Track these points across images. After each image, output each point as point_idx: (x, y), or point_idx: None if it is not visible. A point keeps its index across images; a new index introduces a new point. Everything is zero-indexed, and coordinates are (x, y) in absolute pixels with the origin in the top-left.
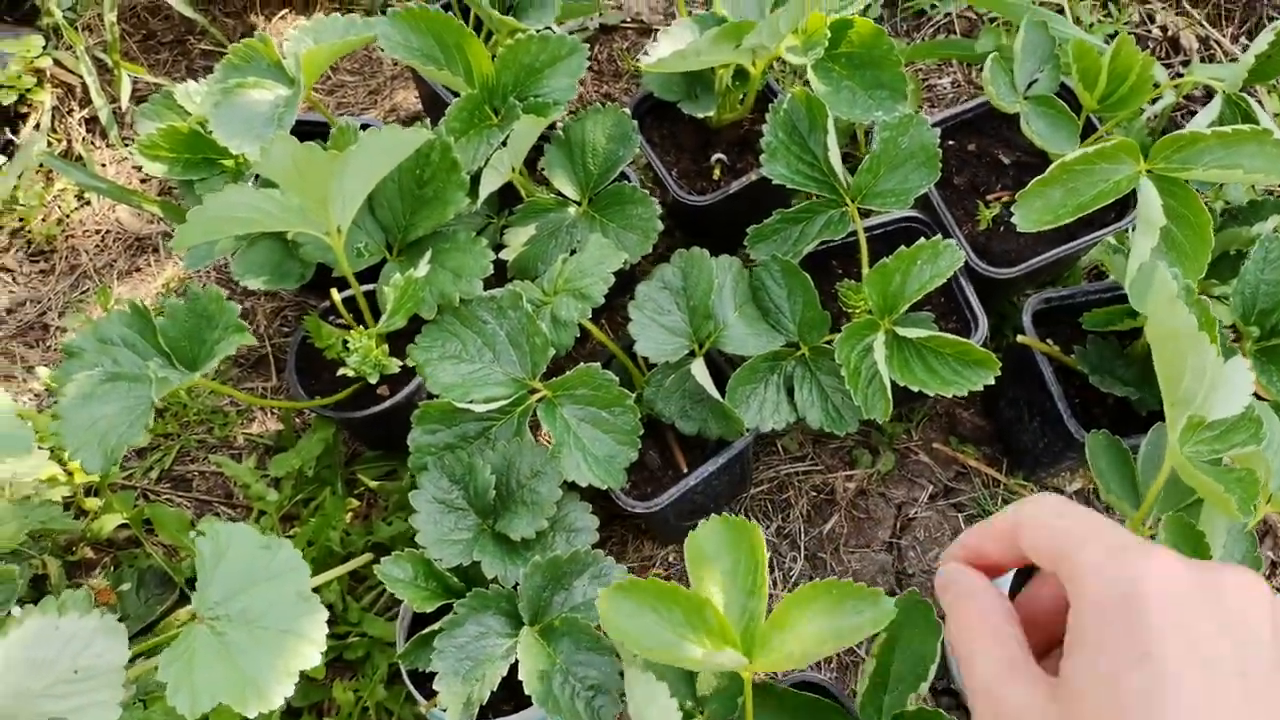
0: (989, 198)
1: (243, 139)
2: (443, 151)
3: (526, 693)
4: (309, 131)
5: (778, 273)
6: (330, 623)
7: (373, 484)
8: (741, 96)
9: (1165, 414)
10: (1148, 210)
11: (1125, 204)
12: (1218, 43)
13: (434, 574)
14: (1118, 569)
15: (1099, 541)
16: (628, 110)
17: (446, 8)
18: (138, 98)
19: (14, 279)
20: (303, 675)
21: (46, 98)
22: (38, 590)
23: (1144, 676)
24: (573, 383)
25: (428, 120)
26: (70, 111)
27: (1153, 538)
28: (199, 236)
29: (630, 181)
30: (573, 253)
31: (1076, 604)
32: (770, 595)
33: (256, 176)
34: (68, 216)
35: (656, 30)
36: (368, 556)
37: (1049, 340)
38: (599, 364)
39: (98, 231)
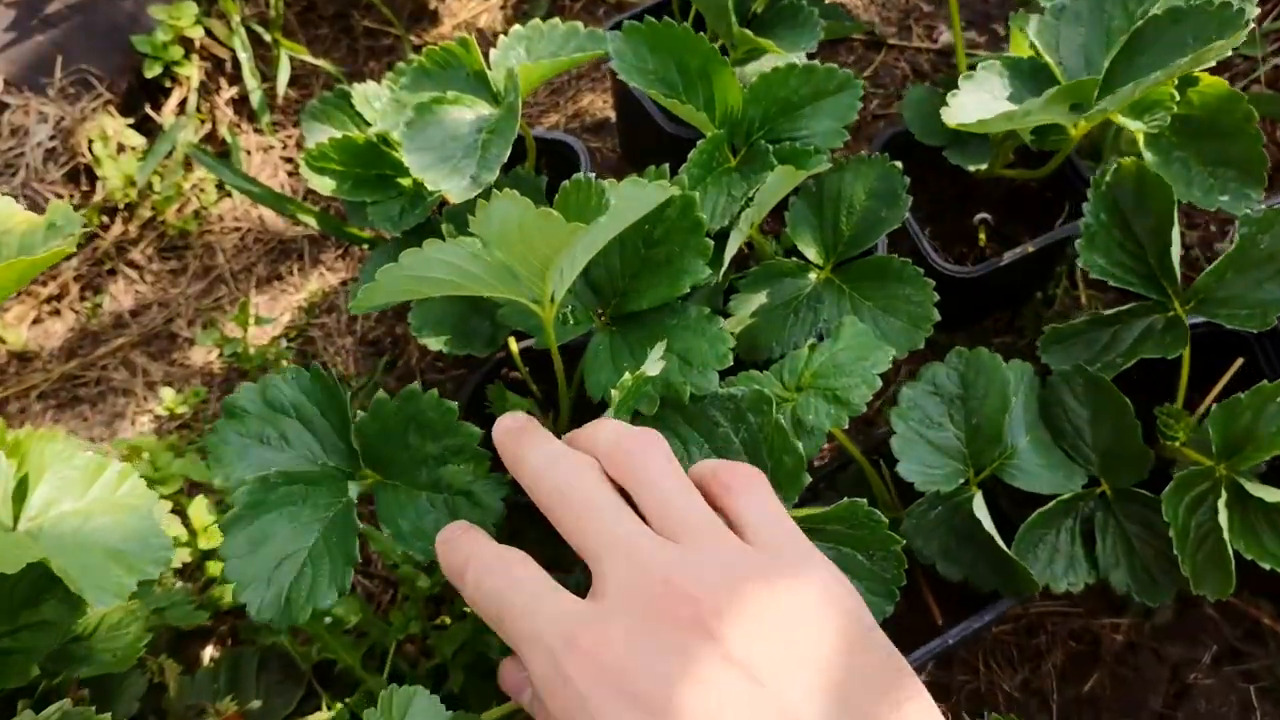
0: None
1: (438, 172)
2: (683, 209)
3: None
4: None
5: (1081, 389)
6: None
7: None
8: (1013, 152)
9: None
10: None
11: None
12: None
13: None
14: None
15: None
16: (898, 165)
17: (657, 10)
18: (294, 78)
19: (142, 277)
20: None
21: (194, 72)
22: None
23: None
24: (828, 518)
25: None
26: (218, 89)
27: None
28: (385, 298)
29: (885, 252)
30: (820, 337)
31: None
32: None
33: (442, 205)
34: (205, 209)
35: (887, 42)
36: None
37: None
38: (864, 499)
39: (237, 229)
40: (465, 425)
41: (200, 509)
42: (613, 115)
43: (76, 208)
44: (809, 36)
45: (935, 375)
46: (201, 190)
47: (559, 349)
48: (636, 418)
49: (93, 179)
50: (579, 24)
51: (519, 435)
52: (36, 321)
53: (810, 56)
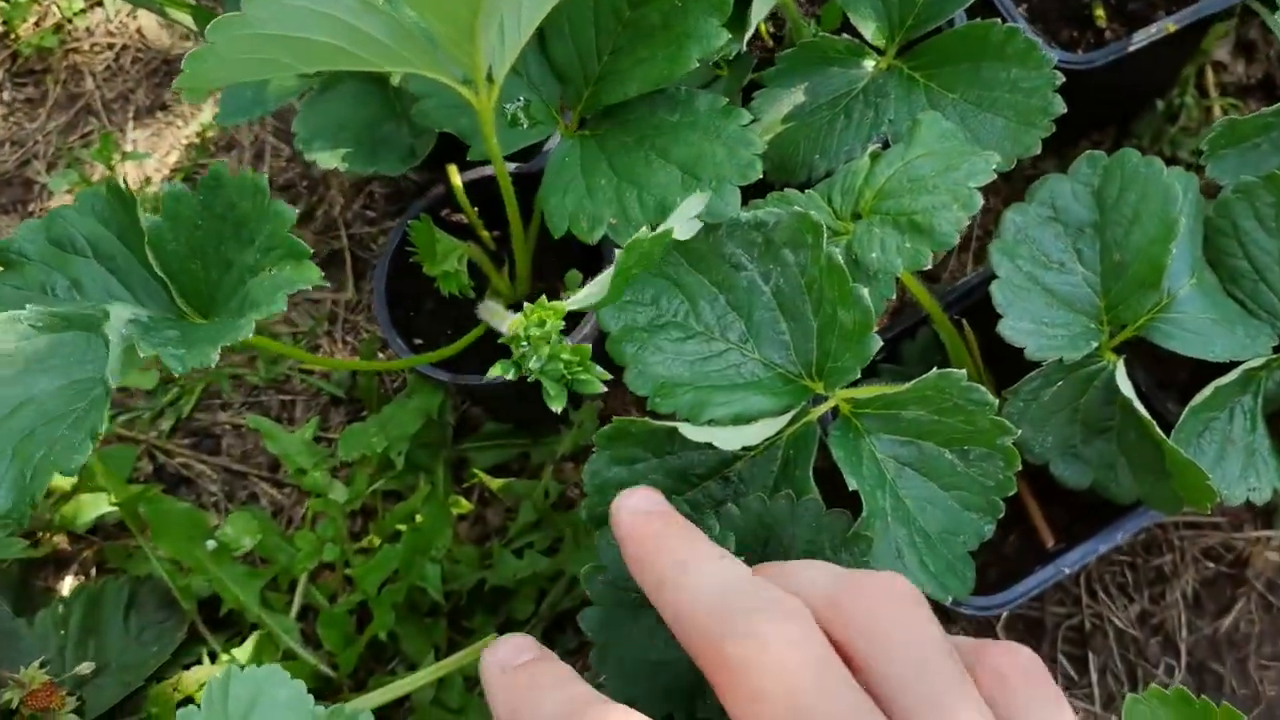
0: None
1: None
2: None
3: None
4: None
5: (1270, 210)
6: None
7: (494, 485)
8: None
9: None
10: None
11: None
12: None
13: None
14: None
15: None
16: None
17: None
18: None
19: None
20: None
21: None
22: None
23: None
24: (906, 399)
25: None
26: None
27: None
28: (229, 73)
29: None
30: (884, 145)
31: None
32: None
33: None
34: (69, 22)
35: None
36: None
37: None
38: (961, 370)
39: (109, 47)
40: (276, 203)
41: None
42: None
43: None
44: None
45: (1056, 194)
46: None
47: (512, 170)
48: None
49: None
50: None
51: (661, 534)
52: None
53: None
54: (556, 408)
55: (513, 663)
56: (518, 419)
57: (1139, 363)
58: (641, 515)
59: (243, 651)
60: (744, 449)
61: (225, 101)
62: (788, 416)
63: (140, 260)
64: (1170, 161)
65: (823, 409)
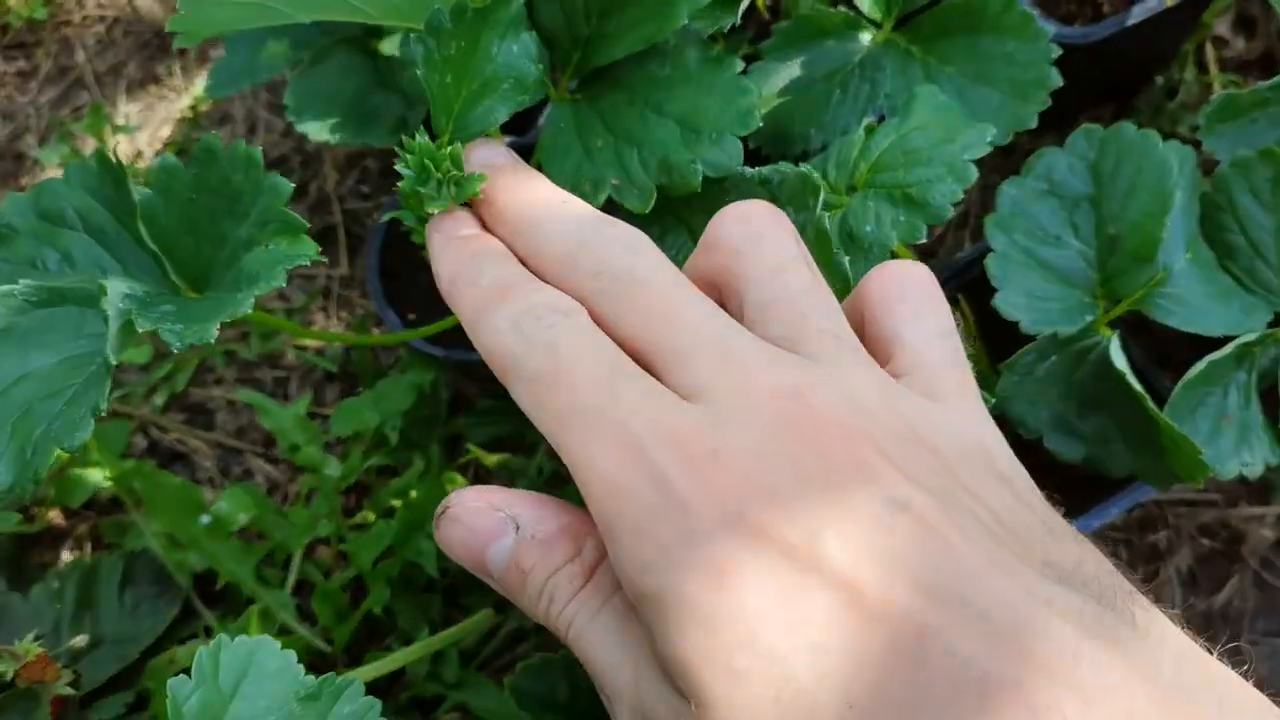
0: None
1: None
2: None
3: None
4: None
5: (1268, 185)
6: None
7: (489, 460)
8: None
9: None
10: None
11: None
12: None
13: None
14: None
15: None
16: None
17: None
18: None
19: None
20: None
21: None
22: None
23: None
24: None
25: None
26: None
27: None
28: (221, 20)
29: None
30: (880, 118)
31: None
32: None
33: None
34: None
35: None
36: (487, 615)
37: None
38: None
39: (101, 19)
40: (270, 177)
41: None
42: None
43: None
44: None
45: (1052, 167)
46: None
47: (507, 142)
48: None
49: None
50: None
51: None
52: None
53: None
54: (436, 210)
55: (457, 232)
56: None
57: (1134, 338)
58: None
59: (239, 627)
60: None
61: (215, 72)
62: None
63: (131, 234)
64: (1169, 138)
65: None
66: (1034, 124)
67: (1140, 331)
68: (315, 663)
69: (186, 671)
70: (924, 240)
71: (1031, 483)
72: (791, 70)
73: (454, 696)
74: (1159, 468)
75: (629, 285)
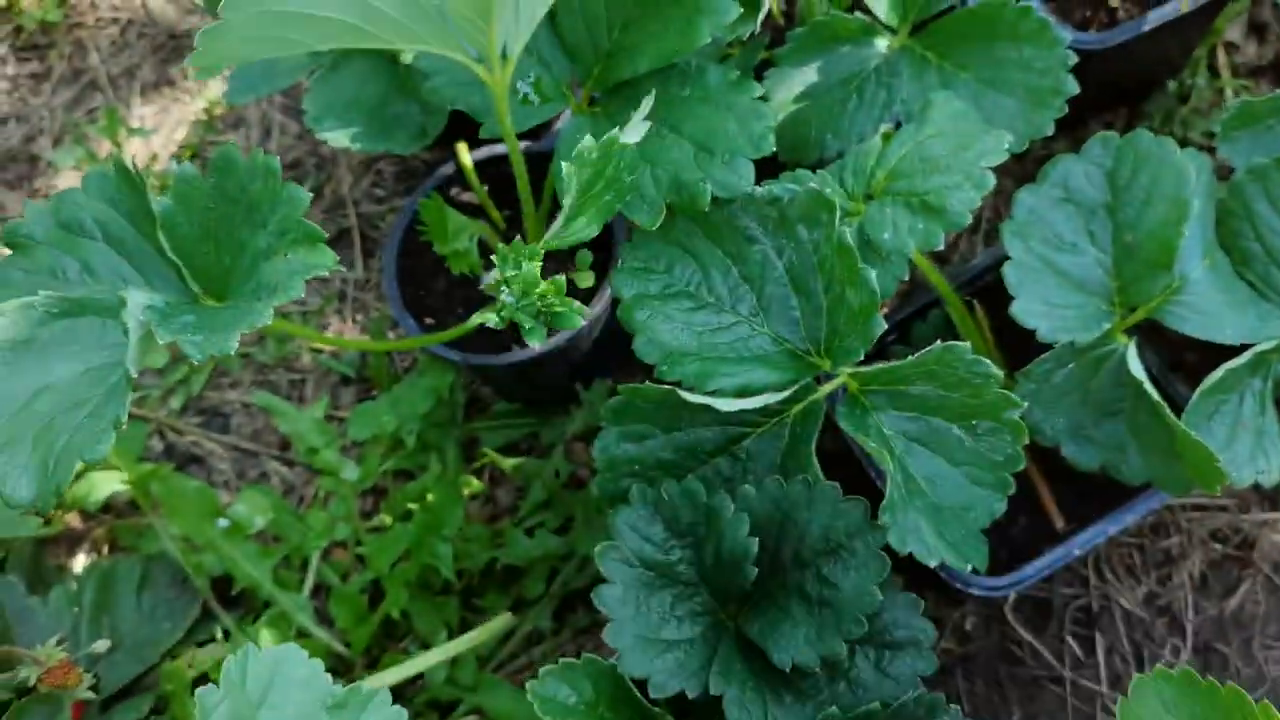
0: None
1: None
2: None
3: None
4: None
5: None
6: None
7: (505, 464)
8: None
9: None
10: None
11: None
12: None
13: (628, 701)
14: None
15: None
16: None
17: None
18: None
19: None
20: None
21: None
22: None
23: None
24: (911, 372)
25: None
26: None
27: None
28: (242, 50)
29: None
30: (897, 124)
31: None
32: None
33: None
34: None
35: None
36: (505, 619)
37: None
38: (965, 343)
39: (114, 20)
40: (289, 186)
41: None
42: None
43: None
44: None
45: (1068, 174)
46: None
47: (522, 148)
48: (632, 235)
49: None
50: None
51: None
52: None
53: None
54: (534, 342)
55: None
56: (527, 398)
57: (1150, 345)
58: None
59: (257, 630)
60: (751, 419)
61: (234, 79)
62: (788, 392)
63: (151, 243)
64: (1182, 143)
65: (830, 386)
66: (1050, 131)
67: (1154, 337)
68: (334, 666)
69: (206, 676)
70: (941, 248)
71: None
72: (808, 76)
73: (471, 700)
74: (1174, 475)
75: None
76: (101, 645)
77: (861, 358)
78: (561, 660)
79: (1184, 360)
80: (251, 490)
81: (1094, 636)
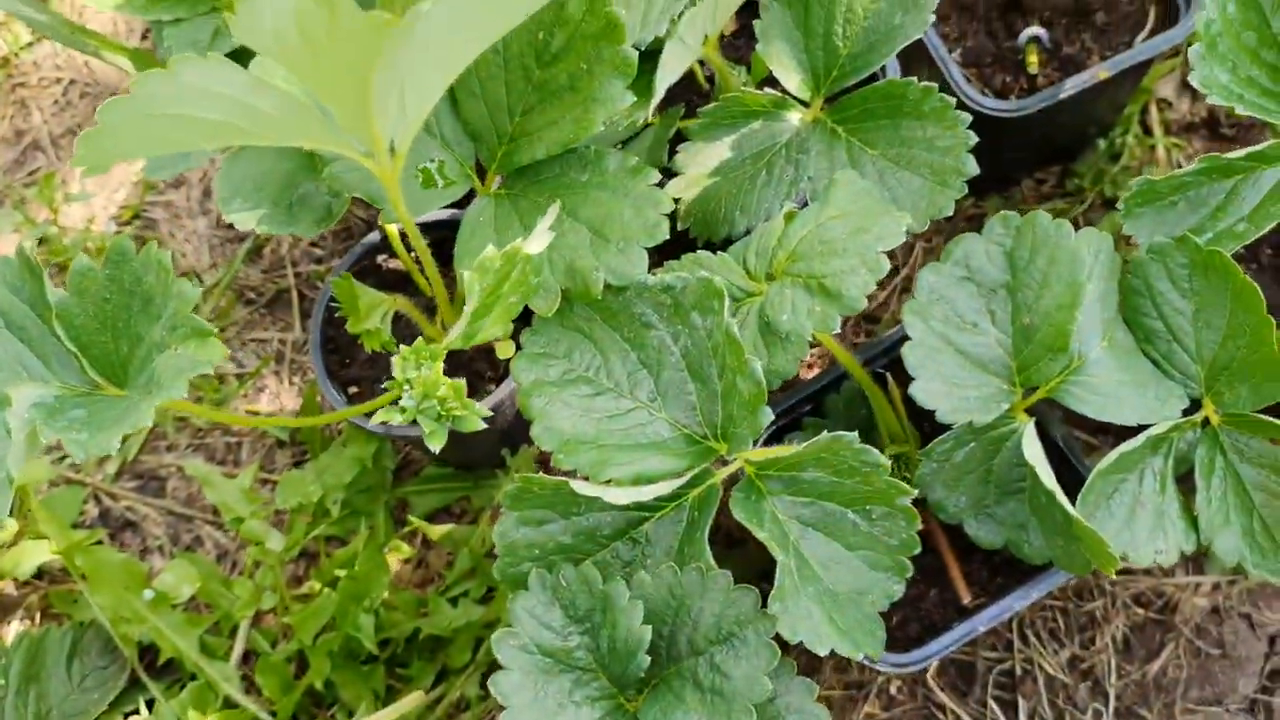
0: None
1: None
2: (591, 3)
3: None
4: None
5: (1183, 271)
6: None
7: (433, 533)
8: None
9: None
10: None
11: None
12: None
13: None
14: None
15: None
16: None
17: None
18: None
19: None
20: None
21: None
22: None
23: None
24: (802, 461)
25: None
26: None
27: None
28: (124, 149)
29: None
30: (803, 204)
31: None
32: None
33: None
34: (16, 55)
35: None
36: (416, 698)
37: None
38: (852, 433)
39: (58, 81)
40: (179, 283)
41: None
42: None
43: None
44: None
45: (970, 254)
46: (8, 30)
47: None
48: (528, 319)
49: None
50: None
51: None
52: None
53: None
54: (434, 445)
55: None
56: (458, 462)
57: (1062, 411)
58: None
59: (181, 701)
60: (653, 509)
61: (150, 159)
62: (685, 478)
63: (52, 331)
64: (1110, 203)
65: (727, 471)
66: (950, 211)
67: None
68: None
69: None
70: (835, 331)
71: None
72: (720, 151)
73: None
74: (1074, 556)
75: None
76: None
77: (750, 447)
78: None
79: (1109, 425)
80: (181, 559)
81: (1017, 701)
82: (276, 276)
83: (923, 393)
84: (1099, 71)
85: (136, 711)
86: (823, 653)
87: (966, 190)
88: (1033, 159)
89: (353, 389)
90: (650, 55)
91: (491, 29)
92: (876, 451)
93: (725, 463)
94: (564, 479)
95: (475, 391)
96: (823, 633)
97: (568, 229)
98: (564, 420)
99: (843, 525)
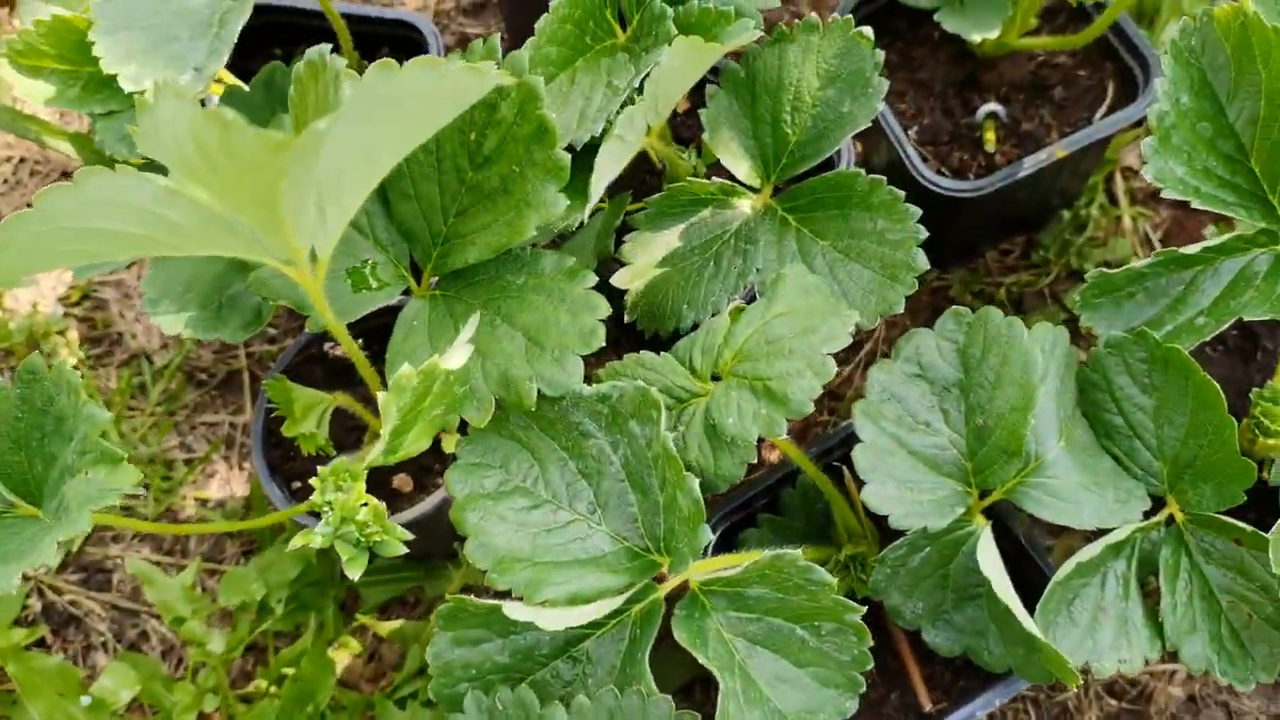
0: None
1: (149, 62)
2: (522, 105)
3: None
4: (303, 28)
5: (1142, 367)
6: None
7: (382, 630)
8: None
9: None
10: None
11: None
12: None
13: None
14: None
15: None
16: (867, 32)
17: None
18: None
19: None
20: None
21: None
22: None
23: None
24: (745, 579)
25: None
26: None
27: None
28: (28, 263)
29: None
30: (750, 298)
31: None
32: None
33: None
34: None
35: None
36: None
37: None
38: (796, 550)
39: (8, 159)
40: (88, 407)
41: None
42: None
43: None
44: None
45: (921, 350)
46: None
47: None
48: (462, 428)
49: None
50: None
51: None
52: None
53: None
54: (353, 573)
55: None
56: (410, 552)
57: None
58: None
59: None
60: (594, 625)
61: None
62: (625, 596)
63: None
64: (1076, 274)
65: (670, 586)
66: (901, 308)
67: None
68: None
69: None
70: (782, 437)
71: None
72: (669, 239)
73: None
74: (1034, 665)
75: None
76: None
77: (692, 564)
78: None
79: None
80: (121, 660)
81: None
82: (228, 357)
83: (875, 497)
84: (1056, 150)
85: None
86: None
87: (917, 286)
88: (995, 232)
89: (296, 484)
90: (590, 151)
91: (400, 142)
92: (821, 570)
93: (665, 578)
94: (498, 603)
95: (422, 485)
96: None
97: (502, 335)
98: (499, 536)
99: (791, 641)
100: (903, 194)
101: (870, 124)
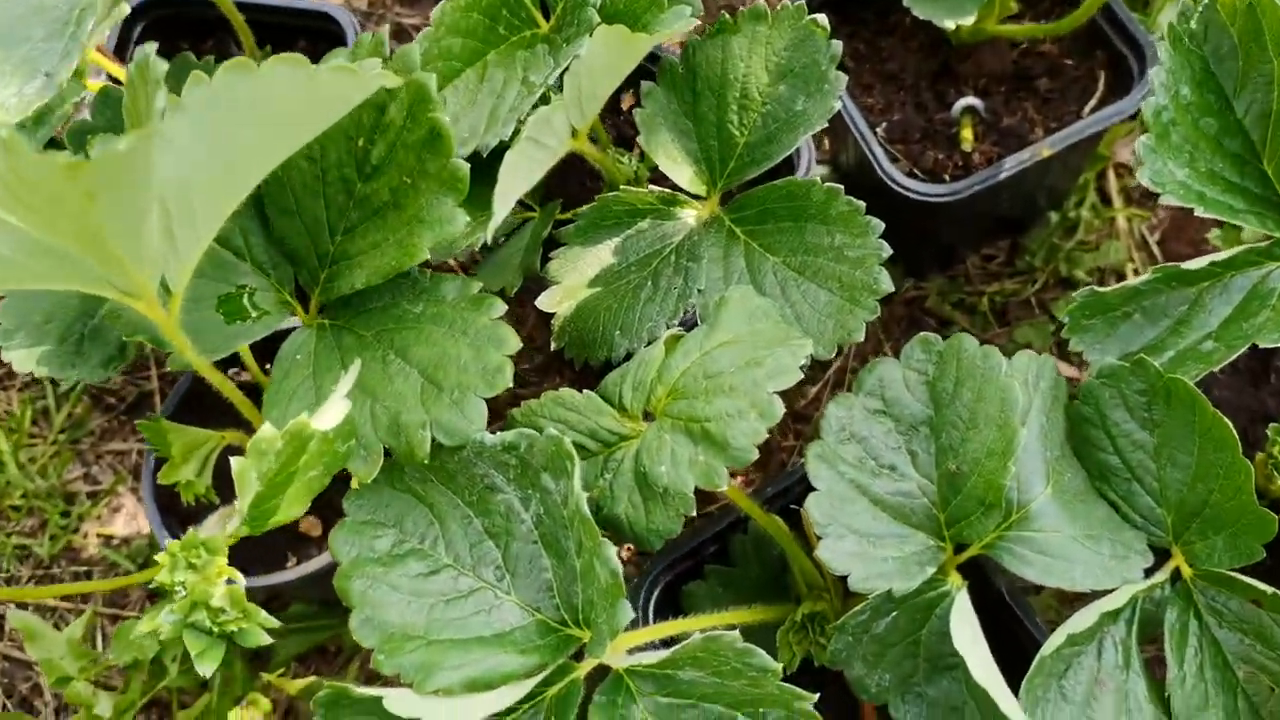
0: None
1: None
2: (411, 107)
3: None
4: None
5: (1141, 400)
6: None
7: (291, 688)
8: None
9: None
10: None
11: None
12: None
13: None
14: None
15: None
16: (821, 20)
17: None
18: None
19: None
20: None
21: None
22: None
23: None
24: (677, 662)
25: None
26: None
27: None
28: None
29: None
30: (690, 325)
31: None
32: None
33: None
34: None
35: None
36: None
37: None
38: (733, 631)
39: None
40: None
41: None
42: None
43: None
44: None
45: (886, 382)
46: None
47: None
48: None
49: None
50: None
51: None
52: None
53: None
54: (203, 669)
55: None
56: (324, 599)
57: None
58: None
59: None
60: (504, 711)
61: None
62: (536, 679)
63: None
64: (1066, 281)
65: (589, 665)
66: (861, 336)
67: None
68: None
69: None
70: (722, 488)
71: None
72: (602, 257)
73: None
74: None
75: None
76: None
77: (607, 647)
78: None
79: None
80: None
81: None
82: (139, 379)
83: (832, 554)
84: (1041, 149)
85: None
86: None
87: (879, 310)
88: (976, 236)
89: (194, 525)
90: (492, 157)
91: (267, 151)
92: (762, 654)
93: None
94: (378, 696)
95: (332, 526)
96: None
97: (395, 373)
98: (390, 608)
99: None
100: (863, 205)
101: (826, 124)
